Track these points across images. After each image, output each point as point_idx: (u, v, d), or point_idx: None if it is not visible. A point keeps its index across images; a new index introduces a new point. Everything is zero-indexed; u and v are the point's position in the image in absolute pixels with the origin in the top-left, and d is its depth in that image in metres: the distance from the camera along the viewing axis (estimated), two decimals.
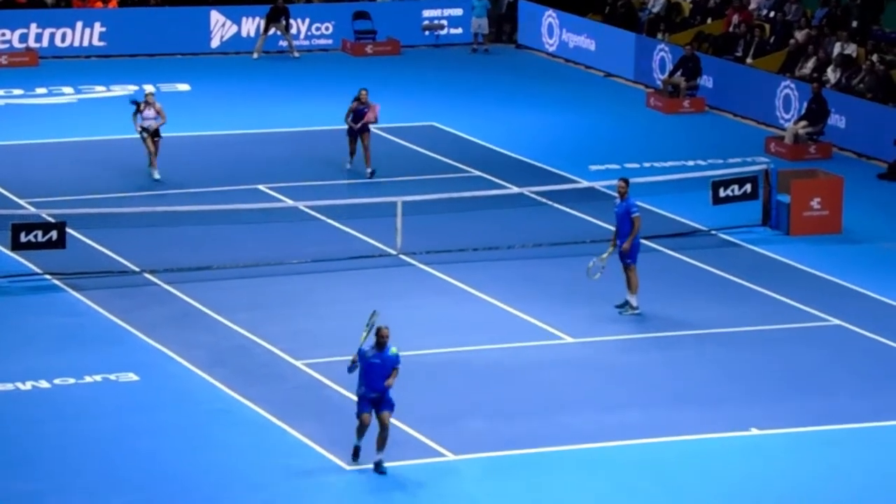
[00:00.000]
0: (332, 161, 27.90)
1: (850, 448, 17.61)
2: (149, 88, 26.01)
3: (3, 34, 34.84)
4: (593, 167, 27.71)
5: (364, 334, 16.72)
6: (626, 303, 20.94)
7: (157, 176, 26.05)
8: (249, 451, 17.22)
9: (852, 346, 20.37)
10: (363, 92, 26.66)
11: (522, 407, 18.35)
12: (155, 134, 25.89)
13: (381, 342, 16.55)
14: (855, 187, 25.85)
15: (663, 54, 33.15)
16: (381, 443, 16.50)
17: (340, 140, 27.49)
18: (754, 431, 17.83)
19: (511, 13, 37.52)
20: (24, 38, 34.95)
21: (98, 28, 35.19)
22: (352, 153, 26.75)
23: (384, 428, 16.48)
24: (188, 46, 35.60)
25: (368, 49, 35.91)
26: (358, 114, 26.53)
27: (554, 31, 36.02)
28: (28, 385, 18.75)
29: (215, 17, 35.87)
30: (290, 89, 32.96)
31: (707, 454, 17.36)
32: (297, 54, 35.52)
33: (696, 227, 24.70)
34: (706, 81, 32.00)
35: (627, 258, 20.84)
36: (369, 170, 26.44)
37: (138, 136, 26.00)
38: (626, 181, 21.02)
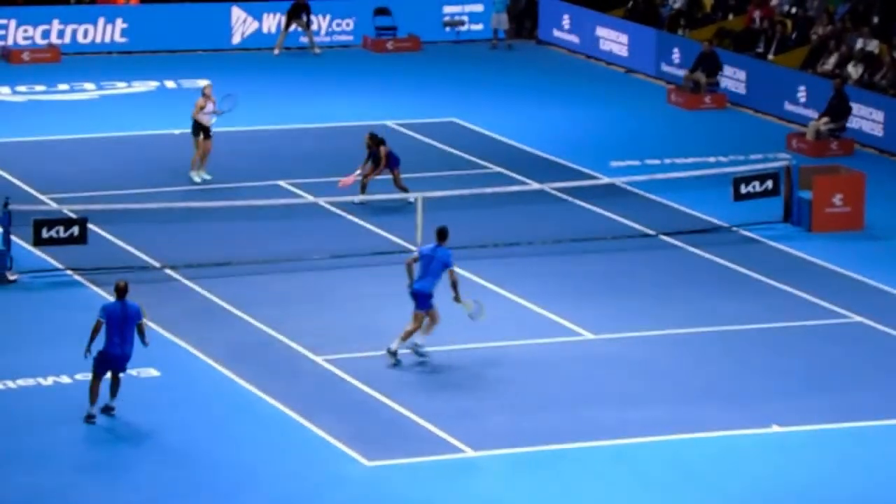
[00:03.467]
0: (352, 157, 27.90)
1: (872, 445, 17.54)
2: (204, 82, 25.50)
3: (26, 30, 34.94)
4: (614, 163, 27.66)
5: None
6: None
7: (197, 179, 25.35)
8: (269, 447, 17.24)
9: (875, 342, 20.29)
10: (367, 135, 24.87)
11: (544, 403, 18.33)
12: (207, 133, 25.11)
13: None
14: (877, 184, 25.75)
15: (684, 50, 33.07)
16: None
17: (361, 136, 27.47)
18: (776, 428, 17.78)
19: (531, 9, 37.48)
20: (46, 34, 35.05)
21: (120, 24, 35.27)
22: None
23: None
24: (209, 43, 35.65)
25: (389, 45, 35.91)
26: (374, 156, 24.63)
27: (575, 27, 35.96)
28: (49, 380, 18.79)
29: (236, 13, 35.92)
30: (311, 85, 32.97)
31: (729, 451, 17.31)
32: (317, 50, 35.53)
33: (717, 223, 24.64)
34: (727, 77, 31.92)
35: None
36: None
37: (191, 131, 25.24)
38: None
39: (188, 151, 26.63)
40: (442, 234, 19.25)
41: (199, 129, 25.52)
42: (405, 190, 24.93)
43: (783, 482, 16.68)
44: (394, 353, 18.97)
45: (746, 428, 17.76)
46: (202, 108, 25.30)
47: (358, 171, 25.02)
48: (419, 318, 19.00)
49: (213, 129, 25.98)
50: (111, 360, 17.40)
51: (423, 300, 19.02)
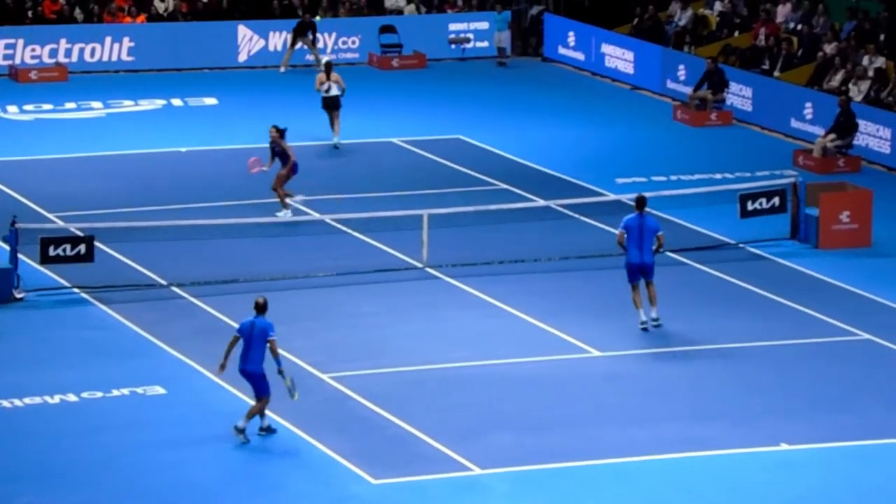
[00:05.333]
0: (359, 174, 27.94)
1: (880, 464, 17.49)
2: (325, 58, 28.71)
3: (34, 50, 35.01)
4: (620, 180, 27.66)
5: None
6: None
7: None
8: (276, 465, 17.21)
9: (883, 360, 20.24)
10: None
11: (550, 421, 18.30)
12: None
13: None
14: (884, 201, 25.72)
15: (690, 67, 33.08)
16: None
17: (367, 153, 27.51)
18: (784, 447, 17.73)
19: (536, 26, 37.52)
20: (53, 53, 35.12)
21: (127, 43, 35.34)
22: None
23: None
24: (216, 61, 35.72)
25: (395, 63, 35.96)
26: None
27: (580, 44, 35.99)
28: (56, 398, 18.79)
29: (243, 31, 35.98)
30: (317, 103, 33.00)
31: (737, 469, 17.27)
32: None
33: (723, 240, 24.61)
34: (734, 94, 31.92)
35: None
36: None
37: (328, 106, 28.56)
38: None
39: (195, 169, 26.62)
40: (641, 202, 20.19)
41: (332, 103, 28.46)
42: (282, 198, 24.81)
43: (791, 501, 16.62)
44: (655, 319, 20.34)
45: (754, 446, 17.71)
46: (322, 82, 28.44)
47: (265, 167, 25.18)
48: (651, 286, 20.19)
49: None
50: (244, 376, 17.68)
51: (651, 269, 20.20)
